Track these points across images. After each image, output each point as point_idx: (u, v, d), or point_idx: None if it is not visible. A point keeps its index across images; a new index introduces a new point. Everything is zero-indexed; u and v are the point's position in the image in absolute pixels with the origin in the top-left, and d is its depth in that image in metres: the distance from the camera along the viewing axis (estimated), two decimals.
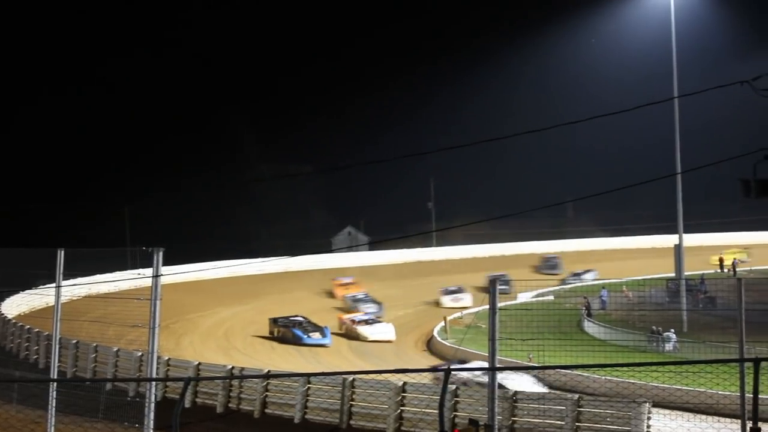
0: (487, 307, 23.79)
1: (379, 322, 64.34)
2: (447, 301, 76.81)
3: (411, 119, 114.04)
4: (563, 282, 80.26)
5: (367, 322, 63.73)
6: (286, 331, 60.62)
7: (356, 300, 75.22)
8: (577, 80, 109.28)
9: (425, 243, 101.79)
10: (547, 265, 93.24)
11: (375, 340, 61.30)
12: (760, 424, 18.66)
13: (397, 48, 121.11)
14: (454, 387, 30.15)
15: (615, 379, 38.68)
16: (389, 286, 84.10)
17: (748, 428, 25.36)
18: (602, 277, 74.86)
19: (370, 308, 71.89)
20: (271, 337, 61.59)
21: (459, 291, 78.27)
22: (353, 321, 64.23)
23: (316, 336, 59.49)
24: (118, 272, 55.32)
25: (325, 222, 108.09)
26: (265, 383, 35.72)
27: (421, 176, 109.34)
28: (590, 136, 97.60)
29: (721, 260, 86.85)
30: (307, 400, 34.60)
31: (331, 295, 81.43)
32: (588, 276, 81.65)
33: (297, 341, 59.20)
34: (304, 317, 63.12)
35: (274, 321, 62.79)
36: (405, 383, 32.49)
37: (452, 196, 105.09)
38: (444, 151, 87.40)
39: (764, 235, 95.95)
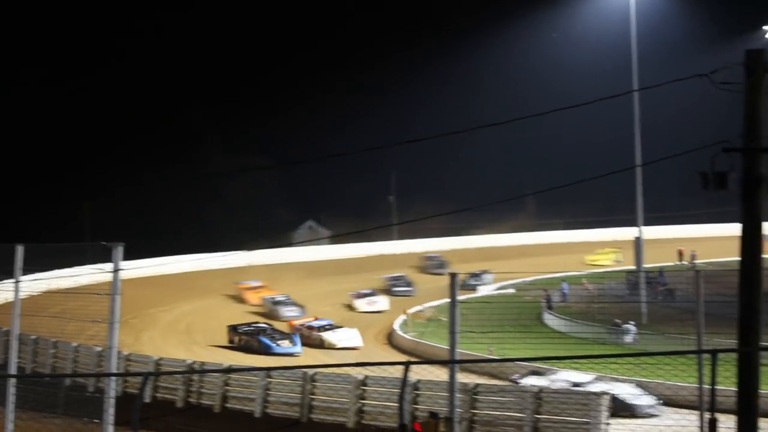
0: (449, 300, 23.88)
1: (339, 327, 60.29)
2: (361, 304, 71.94)
3: (374, 113, 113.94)
4: (464, 284, 77.59)
5: (325, 328, 59.53)
6: (251, 340, 56.89)
7: (276, 303, 70.46)
8: (540, 74, 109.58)
9: (386, 237, 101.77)
10: (433, 264, 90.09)
11: (344, 348, 57.34)
12: (717, 414, 18.84)
13: (358, 42, 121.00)
14: (414, 380, 30.22)
15: (575, 371, 38.86)
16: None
17: (705, 419, 25.62)
18: (561, 270, 74.66)
19: (292, 311, 68.09)
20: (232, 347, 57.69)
21: (372, 294, 73.77)
22: (310, 327, 59.73)
23: (285, 344, 56.11)
24: (77, 267, 55.12)
25: (287, 216, 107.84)
26: (225, 378, 35.69)
27: (385, 170, 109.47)
28: (553, 130, 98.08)
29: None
30: (267, 395, 34.61)
31: (238, 299, 75.76)
32: (486, 277, 78.20)
33: (265, 350, 55.37)
34: (267, 323, 60.36)
35: (234, 329, 58.74)
36: (366, 377, 32.57)
37: (415, 190, 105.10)
38: (407, 144, 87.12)
39: (723, 228, 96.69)
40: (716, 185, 16.96)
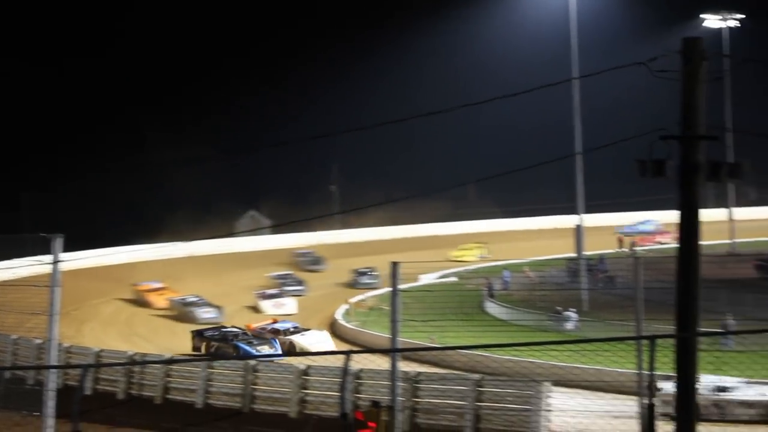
0: (391, 288, 23.95)
1: (307, 329, 55.54)
2: (267, 307, 66.74)
3: (317, 102, 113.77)
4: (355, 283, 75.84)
5: (291, 331, 54.72)
6: (225, 346, 51.16)
7: (188, 304, 65.76)
8: (484, 63, 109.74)
9: (329, 227, 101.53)
10: (306, 261, 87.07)
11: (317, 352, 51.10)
12: (655, 399, 19.04)
13: (302, 32, 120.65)
14: (356, 369, 30.27)
15: (515, 358, 39.07)
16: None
17: (644, 404, 25.87)
18: (505, 257, 75.01)
19: (209, 312, 63.97)
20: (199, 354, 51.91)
21: (279, 295, 69.25)
22: (275, 331, 54.88)
23: (264, 349, 50.26)
24: (17, 259, 54.58)
25: (229, 206, 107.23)
26: (166, 369, 35.51)
27: (333, 160, 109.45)
28: (496, 119, 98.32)
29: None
30: (209, 385, 34.49)
31: (139, 303, 71.01)
32: (374, 275, 75.05)
33: (245, 358, 46.20)
34: (236, 327, 55.14)
35: (200, 334, 52.96)
36: (308, 366, 32.59)
37: (361, 179, 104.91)
38: (349, 133, 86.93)
39: (664, 215, 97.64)
40: (654, 173, 17.15)
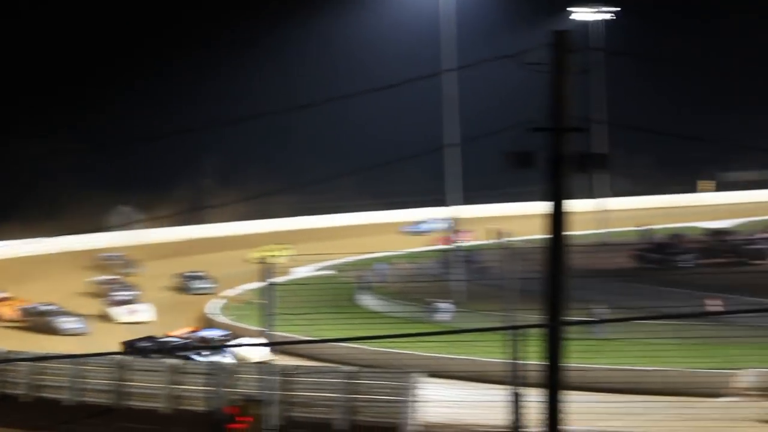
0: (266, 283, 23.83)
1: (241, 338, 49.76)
2: (121, 314, 61.33)
3: (188, 94, 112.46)
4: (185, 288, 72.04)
5: (222, 340, 50.21)
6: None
7: (42, 313, 60.32)
8: (357, 57, 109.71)
9: (198, 220, 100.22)
10: (116, 264, 79.29)
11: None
12: (523, 388, 19.25)
13: (172, 24, 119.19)
14: (231, 364, 30.10)
15: (390, 350, 39.10)
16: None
17: (513, 393, 26.20)
18: (375, 249, 74.73)
19: (71, 323, 58.68)
20: None
21: (131, 301, 63.66)
22: (202, 341, 50.47)
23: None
24: None
25: (97, 199, 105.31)
26: (35, 367, 34.84)
27: (200, 152, 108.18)
28: (369, 112, 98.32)
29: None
30: (80, 382, 33.92)
31: None
32: (204, 283, 71.27)
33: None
34: (170, 335, 50.15)
35: (131, 346, 44.55)
36: (183, 362, 32.33)
37: (231, 172, 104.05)
38: (221, 126, 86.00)
39: (537, 206, 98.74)
40: (523, 164, 17.30)
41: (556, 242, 16.75)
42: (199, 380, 30.82)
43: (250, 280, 59.00)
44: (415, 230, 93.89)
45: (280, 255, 79.62)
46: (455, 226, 72.93)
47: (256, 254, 79.52)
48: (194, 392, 31.07)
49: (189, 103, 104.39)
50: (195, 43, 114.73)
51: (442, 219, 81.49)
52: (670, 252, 70.69)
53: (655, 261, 68.82)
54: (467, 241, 73.84)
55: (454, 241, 71.59)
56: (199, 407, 30.28)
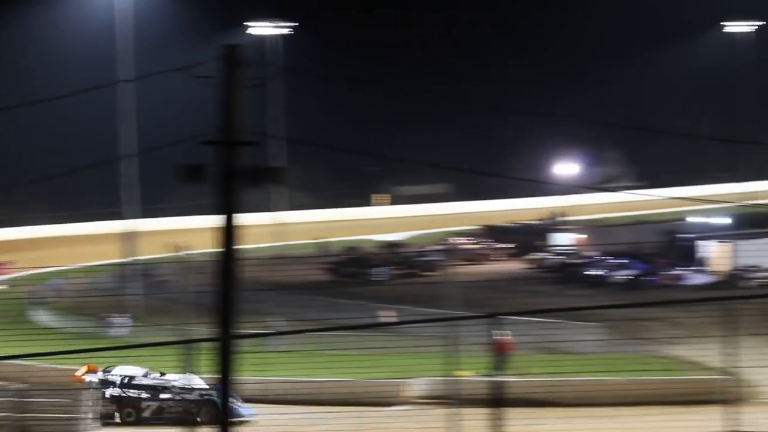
0: None
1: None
2: None
3: None
4: None
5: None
6: (173, 406, 33.90)
7: None
8: (40, 63, 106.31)
9: None
10: None
11: None
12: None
13: None
14: None
15: (63, 367, 38.17)
16: None
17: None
18: (52, 264, 72.67)
19: None
20: None
21: None
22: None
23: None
24: None
25: None
26: None
27: None
28: (44, 121, 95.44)
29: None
30: None
31: None
32: None
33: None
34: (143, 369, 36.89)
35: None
36: None
37: None
38: None
39: (207, 220, 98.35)
40: (194, 177, 17.39)
41: (227, 255, 16.91)
42: None
43: None
44: None
45: None
46: None
47: None
48: None
49: None
50: None
51: None
52: (365, 265, 72.42)
53: (349, 275, 70.40)
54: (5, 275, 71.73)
55: None
56: None
